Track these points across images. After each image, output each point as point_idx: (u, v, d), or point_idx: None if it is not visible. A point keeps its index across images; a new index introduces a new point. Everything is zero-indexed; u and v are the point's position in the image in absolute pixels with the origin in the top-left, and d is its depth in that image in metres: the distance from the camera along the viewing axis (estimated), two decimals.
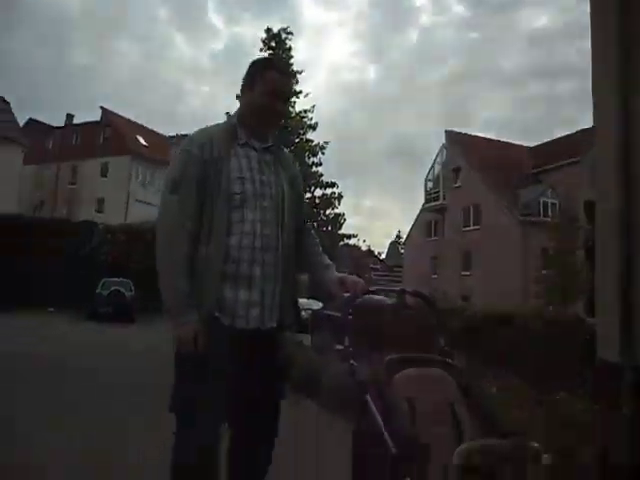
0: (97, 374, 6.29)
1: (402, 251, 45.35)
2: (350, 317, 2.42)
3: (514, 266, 27.19)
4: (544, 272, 21.35)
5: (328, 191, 13.91)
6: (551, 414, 3.71)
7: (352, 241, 30.50)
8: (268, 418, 2.41)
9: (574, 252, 21.04)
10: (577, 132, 27.60)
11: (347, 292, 2.38)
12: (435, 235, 36.16)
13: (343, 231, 13.86)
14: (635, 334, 4.48)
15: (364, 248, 47.87)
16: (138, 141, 38.57)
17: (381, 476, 1.98)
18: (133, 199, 35.49)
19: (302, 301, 15.22)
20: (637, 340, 4.43)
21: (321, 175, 13.82)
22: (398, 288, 2.64)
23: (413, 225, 39.63)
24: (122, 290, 16.00)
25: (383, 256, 58.03)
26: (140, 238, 16.42)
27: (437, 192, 35.94)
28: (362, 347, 2.30)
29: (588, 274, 19.95)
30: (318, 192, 14.00)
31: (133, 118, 41.15)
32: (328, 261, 2.58)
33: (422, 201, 37.62)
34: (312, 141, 14.28)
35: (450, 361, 2.38)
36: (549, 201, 29.98)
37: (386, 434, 1.94)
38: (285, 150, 2.74)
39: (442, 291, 9.60)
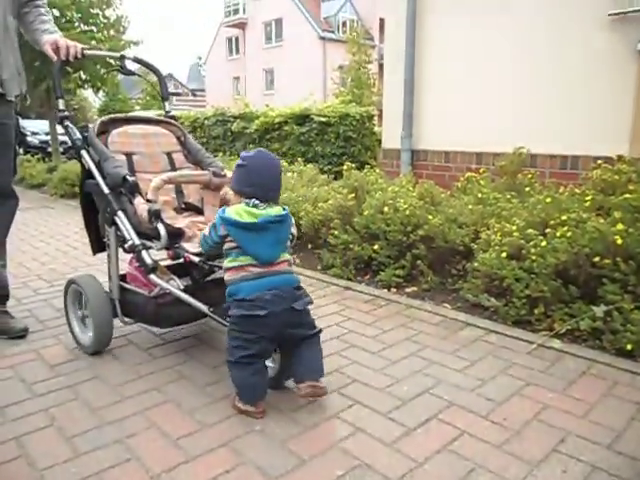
0: None
1: (204, 74, 42.57)
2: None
3: (314, 82, 27.57)
4: (342, 87, 22.08)
5: None
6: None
7: (141, 51, 27.63)
8: None
9: (367, 67, 21.99)
10: None
11: (59, 54, 2.36)
12: (236, 53, 34.34)
13: (129, 38, 12.09)
14: (412, 129, 5.28)
15: (163, 72, 44.12)
16: None
17: (103, 212, 2.23)
18: None
19: None
20: (412, 133, 5.29)
21: None
22: (118, 54, 2.63)
23: (213, 43, 36.86)
24: None
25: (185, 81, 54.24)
26: None
27: (237, 5, 33.24)
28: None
29: (379, 86, 21.17)
30: None
31: None
32: (51, 27, 2.47)
33: (222, 17, 34.67)
34: None
35: (171, 120, 2.64)
36: (348, 17, 29.97)
37: (97, 175, 2.21)
38: None
39: (243, 102, 9.22)
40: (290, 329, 1.79)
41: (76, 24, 10.71)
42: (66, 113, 2.34)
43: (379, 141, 6.44)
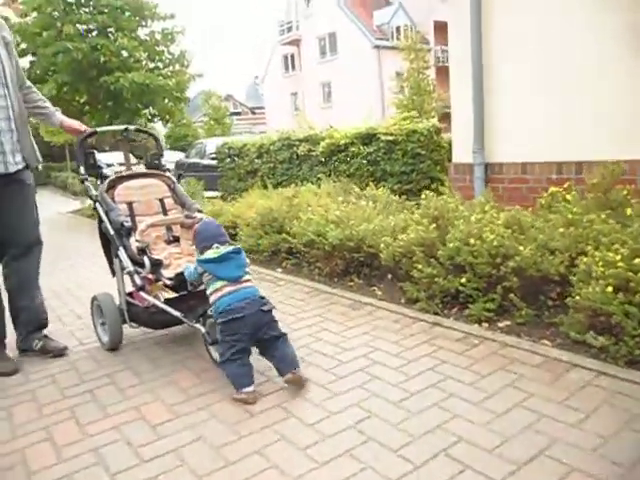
0: None
1: (261, 92, 43.52)
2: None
3: (371, 91, 27.49)
4: (400, 96, 21.84)
5: (168, 24, 12.28)
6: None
7: (206, 84, 28.80)
8: (21, 244, 2.97)
9: (425, 72, 21.64)
10: None
11: (75, 130, 3.16)
12: (292, 70, 34.90)
13: (192, 72, 12.53)
14: (484, 141, 4.96)
15: (223, 94, 45.63)
16: None
17: (114, 248, 2.95)
18: None
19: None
20: (485, 145, 4.95)
21: (156, 6, 12.02)
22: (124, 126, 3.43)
23: (269, 61, 37.66)
24: None
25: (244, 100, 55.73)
26: None
27: (290, 23, 33.85)
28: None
29: (439, 91, 20.77)
30: (157, 26, 12.37)
31: None
32: (53, 109, 3.14)
33: (277, 35, 35.43)
34: None
35: (161, 172, 3.36)
36: (402, 23, 29.70)
37: (106, 221, 2.94)
38: None
39: (308, 125, 9.21)
40: (263, 329, 2.38)
41: (144, 62, 11.24)
42: (86, 176, 3.11)
43: (448, 153, 6.25)
